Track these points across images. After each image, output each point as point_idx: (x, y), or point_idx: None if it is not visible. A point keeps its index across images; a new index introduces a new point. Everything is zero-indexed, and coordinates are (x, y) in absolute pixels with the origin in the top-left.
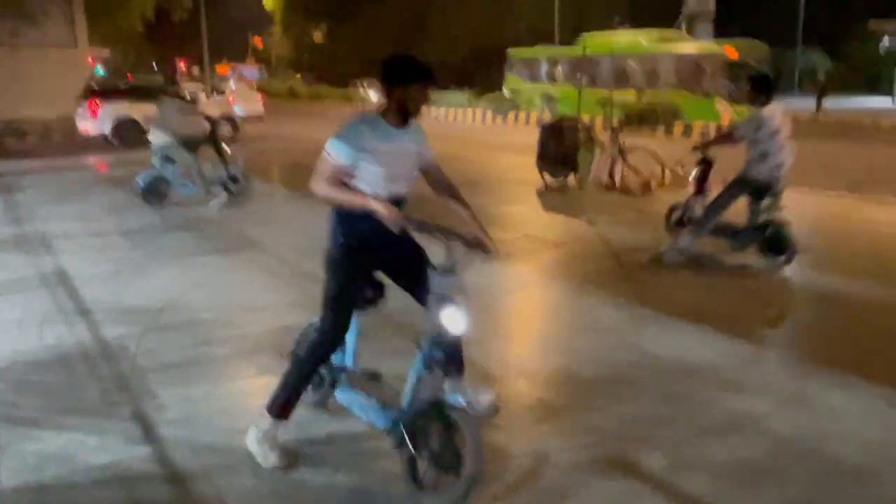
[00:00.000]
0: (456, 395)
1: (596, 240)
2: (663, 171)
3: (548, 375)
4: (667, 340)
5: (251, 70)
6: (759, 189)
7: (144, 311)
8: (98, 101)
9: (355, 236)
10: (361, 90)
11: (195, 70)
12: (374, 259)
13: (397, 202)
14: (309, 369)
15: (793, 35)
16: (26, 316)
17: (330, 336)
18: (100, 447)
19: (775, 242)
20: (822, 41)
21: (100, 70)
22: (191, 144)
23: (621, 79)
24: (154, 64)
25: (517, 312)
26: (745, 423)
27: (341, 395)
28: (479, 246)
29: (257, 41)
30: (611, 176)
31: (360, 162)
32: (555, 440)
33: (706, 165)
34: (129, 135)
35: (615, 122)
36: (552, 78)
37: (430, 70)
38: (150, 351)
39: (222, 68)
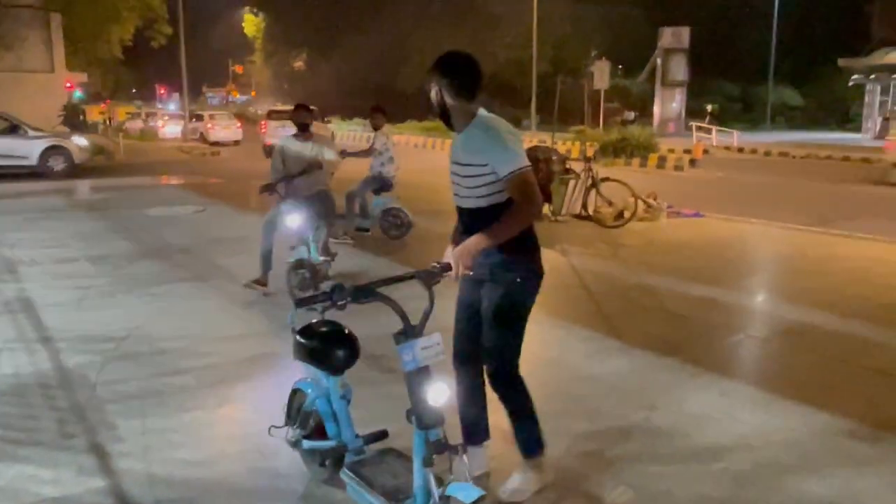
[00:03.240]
0: (467, 484)
1: (568, 271)
2: (636, 203)
3: None
4: (633, 373)
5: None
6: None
7: (108, 340)
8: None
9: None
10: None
11: (175, 96)
12: None
13: (462, 215)
14: (524, 395)
15: (765, 72)
16: None
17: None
18: (52, 480)
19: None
20: (793, 78)
21: (78, 94)
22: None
23: None
24: (135, 90)
25: None
26: (708, 457)
27: (349, 489)
28: (434, 276)
29: (238, 68)
30: (584, 206)
31: None
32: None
33: None
34: None
35: (589, 152)
36: None
37: (437, 63)
38: (111, 381)
39: (234, 91)
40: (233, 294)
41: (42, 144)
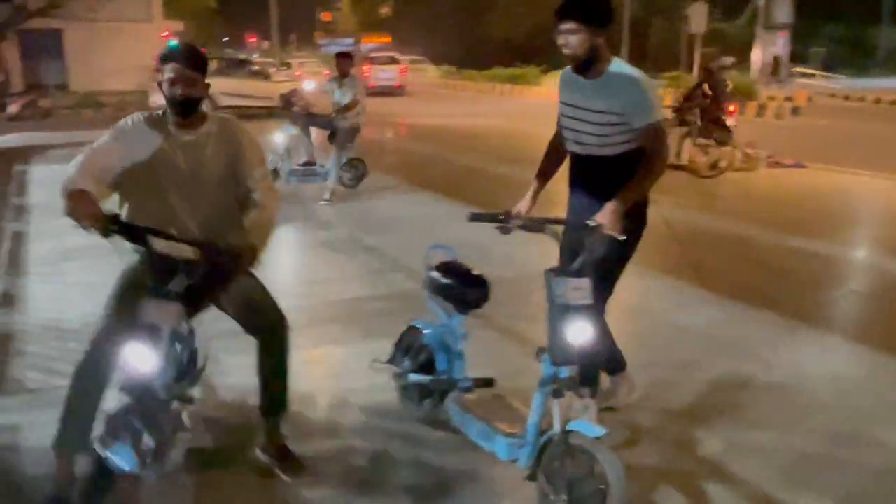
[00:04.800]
0: (590, 422)
1: (657, 220)
2: (733, 152)
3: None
4: (726, 325)
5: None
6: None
7: None
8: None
9: None
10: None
11: (265, 44)
12: None
13: (584, 162)
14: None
15: (878, 12)
16: (98, 280)
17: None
18: None
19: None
20: None
21: (174, 43)
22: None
23: None
24: (227, 38)
25: None
26: (804, 413)
27: (454, 416)
28: (588, 230)
29: (326, 16)
30: (678, 155)
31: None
32: (609, 423)
33: None
34: None
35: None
36: None
37: (579, 3)
38: (214, 318)
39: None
40: (322, 239)
41: (283, 88)
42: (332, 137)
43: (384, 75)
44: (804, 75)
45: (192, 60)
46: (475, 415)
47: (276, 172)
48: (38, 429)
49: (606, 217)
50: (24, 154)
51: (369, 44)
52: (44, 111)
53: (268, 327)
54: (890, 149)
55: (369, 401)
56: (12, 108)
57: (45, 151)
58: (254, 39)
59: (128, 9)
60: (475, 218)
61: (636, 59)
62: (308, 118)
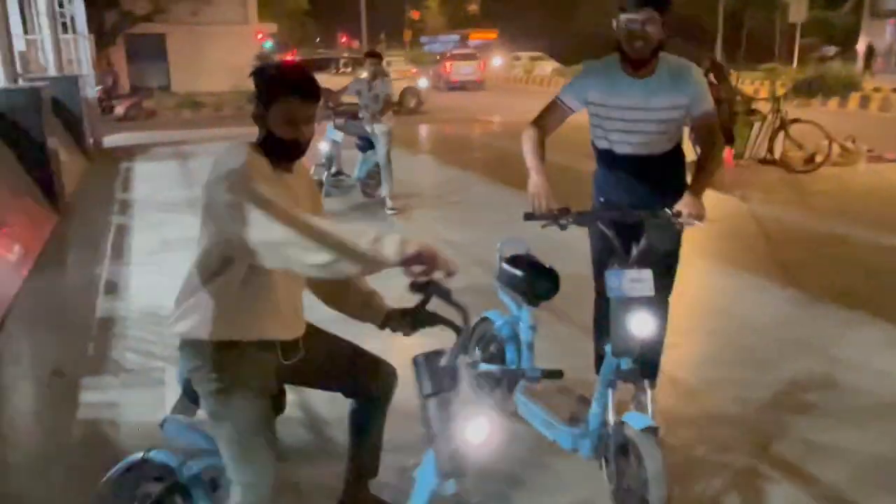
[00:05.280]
0: (642, 414)
1: (746, 217)
2: (830, 146)
3: (682, 356)
4: (813, 325)
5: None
6: None
7: None
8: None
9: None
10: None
11: (354, 44)
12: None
13: (633, 162)
14: None
15: None
16: None
17: None
18: None
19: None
20: None
21: (268, 44)
22: None
23: None
24: (319, 39)
25: None
26: (890, 416)
27: (521, 406)
28: (663, 220)
29: (415, 14)
30: (770, 149)
31: (589, 112)
32: (685, 420)
33: None
34: None
35: (780, 91)
36: None
37: None
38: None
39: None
40: (402, 232)
41: (402, 85)
42: (364, 145)
43: (464, 70)
44: None
45: (311, 92)
46: (540, 405)
47: (320, 184)
48: (136, 406)
49: (690, 205)
50: (130, 152)
51: (476, 40)
52: (147, 112)
53: (382, 387)
54: None
55: None
56: (119, 110)
57: (147, 150)
58: (345, 39)
59: (226, 12)
60: (530, 217)
61: (730, 50)
62: (345, 124)
